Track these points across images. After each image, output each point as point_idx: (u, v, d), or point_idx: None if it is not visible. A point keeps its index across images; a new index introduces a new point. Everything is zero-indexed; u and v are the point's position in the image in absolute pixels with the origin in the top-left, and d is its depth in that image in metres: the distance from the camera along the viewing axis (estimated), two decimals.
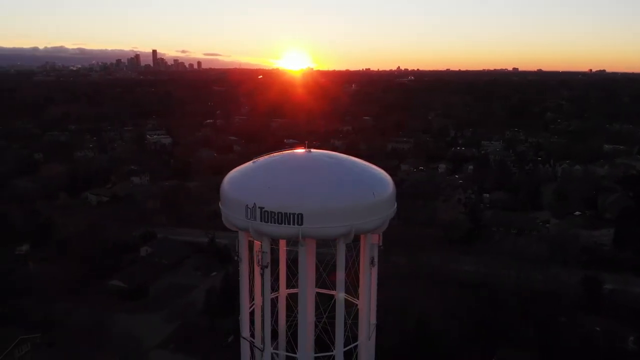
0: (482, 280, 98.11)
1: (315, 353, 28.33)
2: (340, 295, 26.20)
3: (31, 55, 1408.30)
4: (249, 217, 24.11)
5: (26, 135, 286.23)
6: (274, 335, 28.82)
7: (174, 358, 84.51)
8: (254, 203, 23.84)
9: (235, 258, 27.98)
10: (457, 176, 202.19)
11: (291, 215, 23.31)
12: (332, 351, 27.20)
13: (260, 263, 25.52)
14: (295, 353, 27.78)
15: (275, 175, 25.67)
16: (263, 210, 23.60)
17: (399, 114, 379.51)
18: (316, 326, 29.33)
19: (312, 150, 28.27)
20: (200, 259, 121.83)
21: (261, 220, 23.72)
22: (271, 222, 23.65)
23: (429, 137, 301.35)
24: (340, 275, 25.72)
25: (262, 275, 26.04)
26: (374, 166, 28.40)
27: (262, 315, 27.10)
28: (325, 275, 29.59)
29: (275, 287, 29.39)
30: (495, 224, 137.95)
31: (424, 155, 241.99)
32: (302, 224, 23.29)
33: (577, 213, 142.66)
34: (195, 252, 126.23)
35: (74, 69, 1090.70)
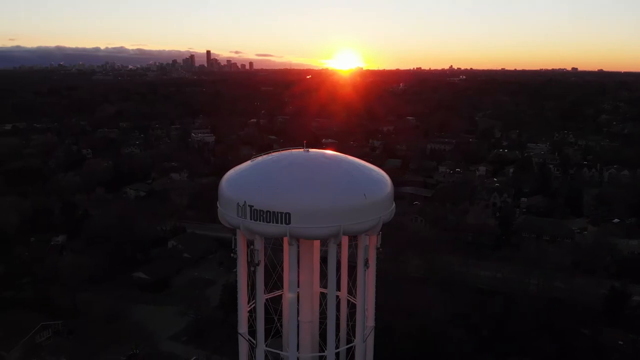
0: (501, 287, 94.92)
1: (313, 353, 28.47)
2: (331, 295, 26.01)
3: (93, 55, 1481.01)
4: (239, 215, 24.51)
5: (78, 131, 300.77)
6: (278, 333, 29.22)
7: (184, 350, 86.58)
8: (244, 201, 24.17)
9: (232, 255, 28.60)
10: (495, 179, 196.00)
11: (279, 214, 23.41)
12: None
13: (252, 261, 25.59)
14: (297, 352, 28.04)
15: (266, 174, 25.96)
16: (252, 208, 23.89)
17: (444, 114, 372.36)
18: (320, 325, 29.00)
19: (309, 150, 28.56)
20: (224, 254, 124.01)
21: (251, 219, 24.01)
22: (260, 221, 23.84)
23: (472, 138, 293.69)
24: (332, 276, 25.60)
25: (254, 273, 26.47)
26: (373, 167, 28.24)
27: (255, 313, 27.24)
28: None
29: (279, 286, 29.67)
30: (527, 230, 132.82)
31: (464, 157, 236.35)
32: (289, 223, 23.40)
33: (615, 220, 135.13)
34: (221, 247, 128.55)
35: (134, 68, 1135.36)
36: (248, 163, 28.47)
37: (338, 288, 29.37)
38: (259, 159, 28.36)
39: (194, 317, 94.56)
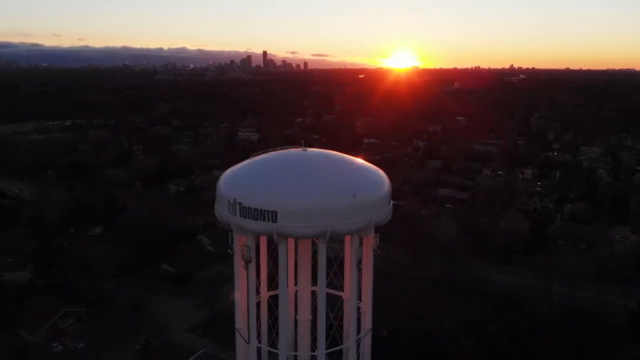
0: (522, 294, 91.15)
1: (311, 352, 28.84)
2: (321, 295, 26.35)
3: (156, 55, 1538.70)
4: (230, 211, 25.47)
5: (133, 129, 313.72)
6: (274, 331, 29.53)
7: (198, 342, 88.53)
8: (235, 198, 25.06)
9: (229, 252, 29.56)
10: (539, 183, 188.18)
11: (266, 213, 24.13)
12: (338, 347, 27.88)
13: (244, 258, 26.53)
14: (296, 350, 29.24)
15: (258, 173, 26.82)
16: (242, 205, 24.76)
17: (497, 115, 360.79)
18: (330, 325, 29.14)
19: (307, 149, 29.06)
20: None
21: (240, 216, 24.90)
22: (249, 218, 24.72)
23: (522, 139, 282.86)
24: (322, 276, 26.09)
25: (246, 269, 27.21)
26: (372, 168, 28.39)
27: (248, 310, 28.00)
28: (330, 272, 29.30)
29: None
30: (563, 236, 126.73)
31: (512, 160, 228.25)
32: (276, 221, 23.99)
33: None
34: None
35: (194, 67, 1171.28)
36: (246, 161, 29.22)
37: (341, 288, 29.64)
38: (257, 157, 29.03)
39: (210, 311, 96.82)
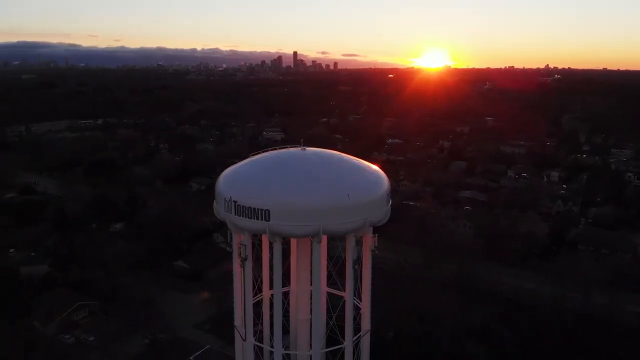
0: (532, 299, 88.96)
1: (309, 351, 29.20)
2: (316, 294, 26.92)
3: (189, 55, 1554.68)
4: (226, 209, 26.23)
5: (162, 128, 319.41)
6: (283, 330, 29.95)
7: (204, 338, 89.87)
8: (230, 196, 25.80)
9: (228, 249, 30.34)
10: (564, 186, 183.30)
11: (259, 211, 24.77)
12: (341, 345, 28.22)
13: (240, 256, 27.24)
14: (298, 350, 29.70)
15: (255, 172, 27.51)
16: (237, 204, 25.49)
17: (528, 116, 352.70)
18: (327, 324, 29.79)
19: (306, 148, 29.44)
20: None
21: (235, 214, 25.66)
22: (243, 216, 25.44)
23: (551, 141, 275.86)
24: (316, 275, 26.63)
25: (242, 267, 27.77)
26: (372, 168, 28.66)
27: (245, 307, 28.50)
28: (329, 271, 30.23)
29: (285, 283, 30.42)
30: (584, 241, 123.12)
31: (539, 161, 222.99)
32: (269, 220, 24.56)
33: None
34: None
35: (226, 67, 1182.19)
36: (245, 160, 29.78)
37: (343, 288, 29.69)
38: (256, 157, 29.50)
39: (218, 308, 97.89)
